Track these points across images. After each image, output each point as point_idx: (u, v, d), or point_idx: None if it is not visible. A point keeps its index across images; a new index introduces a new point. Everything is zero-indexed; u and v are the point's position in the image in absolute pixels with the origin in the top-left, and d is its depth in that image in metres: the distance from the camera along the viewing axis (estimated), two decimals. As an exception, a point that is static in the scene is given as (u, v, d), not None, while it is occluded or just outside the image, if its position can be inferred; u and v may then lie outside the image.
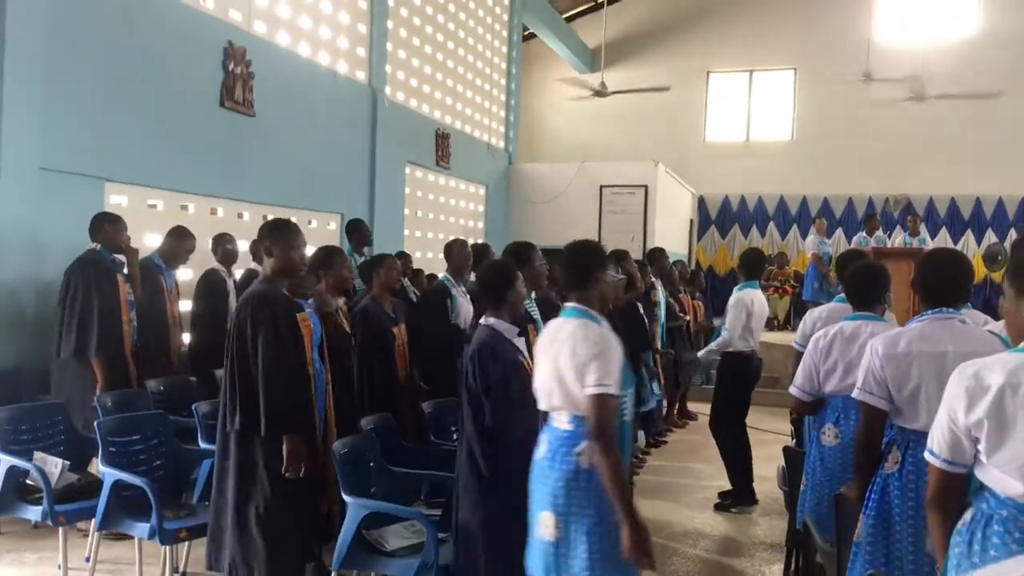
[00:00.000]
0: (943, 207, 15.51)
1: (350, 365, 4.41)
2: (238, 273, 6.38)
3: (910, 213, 13.80)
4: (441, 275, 5.94)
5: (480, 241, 11.33)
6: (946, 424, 2.09)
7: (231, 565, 3.48)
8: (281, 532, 3.46)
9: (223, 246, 6.21)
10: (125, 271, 5.25)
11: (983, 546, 1.98)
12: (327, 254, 4.51)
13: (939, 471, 2.14)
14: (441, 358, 5.13)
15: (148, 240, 6.55)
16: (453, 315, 5.43)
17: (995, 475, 2.00)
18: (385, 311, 4.93)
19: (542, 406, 2.94)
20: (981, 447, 2.02)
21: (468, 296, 5.57)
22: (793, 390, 3.74)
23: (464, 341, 4.95)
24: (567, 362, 2.77)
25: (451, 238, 6.33)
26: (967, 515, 2.09)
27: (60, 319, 4.94)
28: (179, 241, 5.77)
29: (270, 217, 4.17)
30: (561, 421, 2.85)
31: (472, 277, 5.81)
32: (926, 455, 2.18)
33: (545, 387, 2.89)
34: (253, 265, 6.40)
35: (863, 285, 3.77)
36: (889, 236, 13.21)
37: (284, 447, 3.39)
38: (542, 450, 2.89)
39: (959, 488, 2.14)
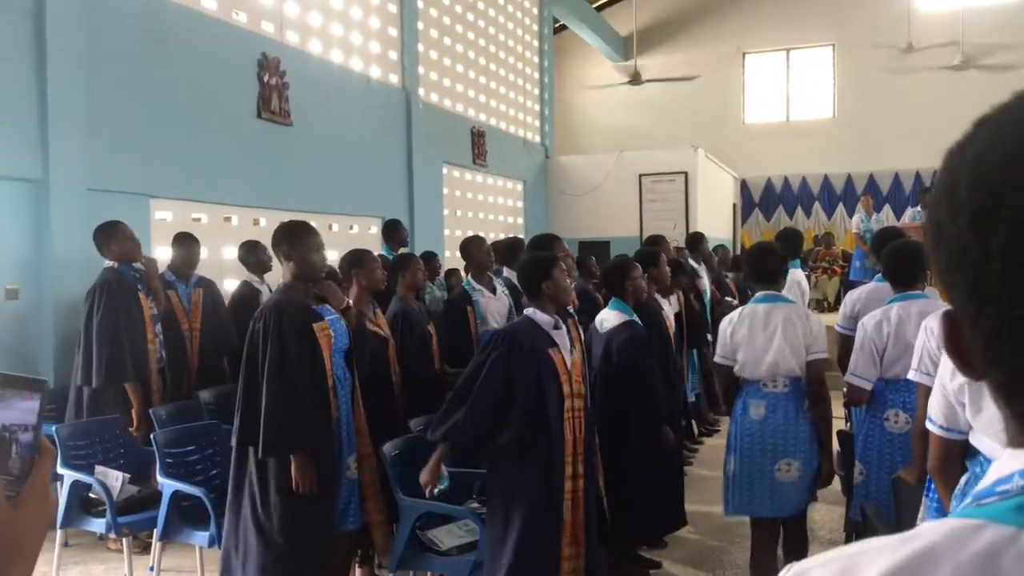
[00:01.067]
0: (994, 177, 15.10)
1: (384, 363, 4.38)
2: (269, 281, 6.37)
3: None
4: (464, 282, 5.74)
5: (519, 236, 11.31)
6: (939, 390, 2.15)
7: None
8: (304, 547, 3.41)
9: (257, 256, 6.17)
10: (144, 286, 5.07)
11: None
12: (359, 255, 4.44)
13: (938, 438, 2.20)
14: (460, 364, 5.05)
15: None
16: (478, 319, 5.28)
17: (980, 440, 2.05)
18: (417, 311, 4.92)
19: (753, 374, 3.67)
20: (967, 412, 2.05)
21: (500, 291, 5.50)
22: (852, 379, 3.61)
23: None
24: (794, 336, 3.55)
25: (492, 235, 6.27)
26: (962, 479, 2.15)
27: (86, 344, 4.79)
28: (187, 249, 5.57)
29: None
30: (777, 385, 3.62)
31: (506, 272, 5.79)
32: (927, 423, 2.22)
33: (764, 359, 3.61)
34: (247, 276, 6.23)
35: (899, 264, 3.66)
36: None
37: (292, 465, 3.35)
38: (761, 411, 3.65)
39: (958, 455, 2.18)
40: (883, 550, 0.56)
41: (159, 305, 5.12)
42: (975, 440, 2.09)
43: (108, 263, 4.99)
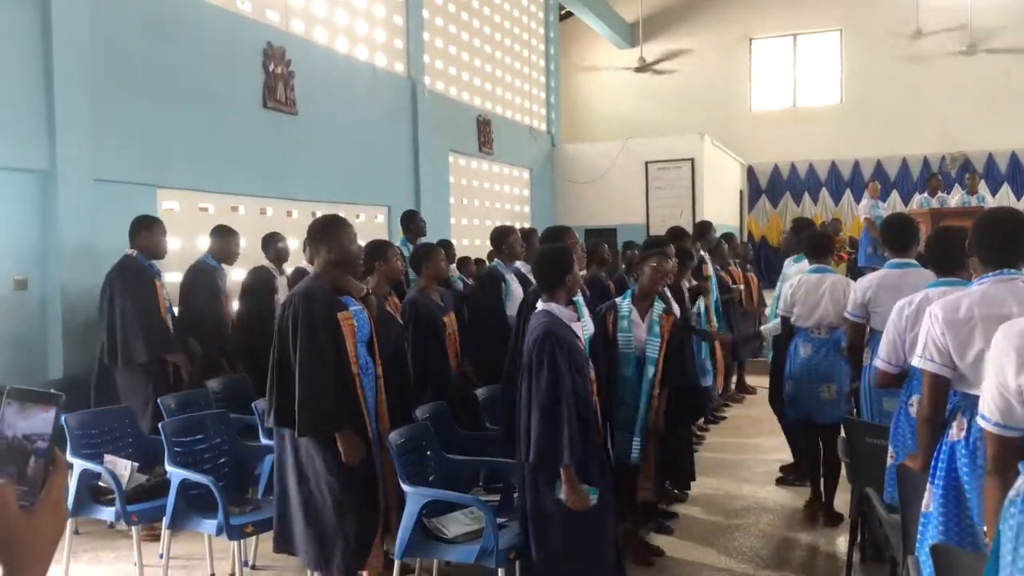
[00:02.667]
0: (1003, 163, 14.99)
1: (403, 355, 4.44)
2: (289, 270, 6.45)
3: (968, 171, 13.37)
4: (494, 262, 5.91)
5: (527, 225, 11.31)
6: (995, 386, 2.04)
7: (309, 560, 3.57)
8: (346, 522, 3.52)
9: (275, 245, 6.27)
10: (163, 278, 5.31)
11: None
12: (380, 246, 4.57)
13: (994, 436, 2.09)
14: (495, 344, 5.13)
15: (201, 243, 6.69)
16: (507, 299, 5.42)
17: None
18: (434, 301, 4.96)
19: (805, 324, 4.92)
20: None
21: (517, 281, 5.57)
22: (878, 363, 3.61)
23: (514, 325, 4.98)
24: (838, 297, 4.71)
25: (497, 223, 6.32)
26: (1020, 483, 2.03)
27: (106, 328, 5.01)
28: (227, 239, 5.80)
29: (318, 214, 4.22)
30: (821, 332, 4.93)
31: (518, 263, 5.81)
32: (979, 420, 2.13)
33: (814, 313, 4.88)
34: (303, 263, 6.46)
35: (944, 250, 3.62)
36: (948, 195, 12.81)
37: (339, 442, 3.45)
38: (808, 350, 4.89)
39: (1016, 452, 2.08)
40: None
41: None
42: None
43: (129, 251, 5.15)
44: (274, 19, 7.88)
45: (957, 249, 3.57)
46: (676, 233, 6.85)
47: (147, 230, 5.20)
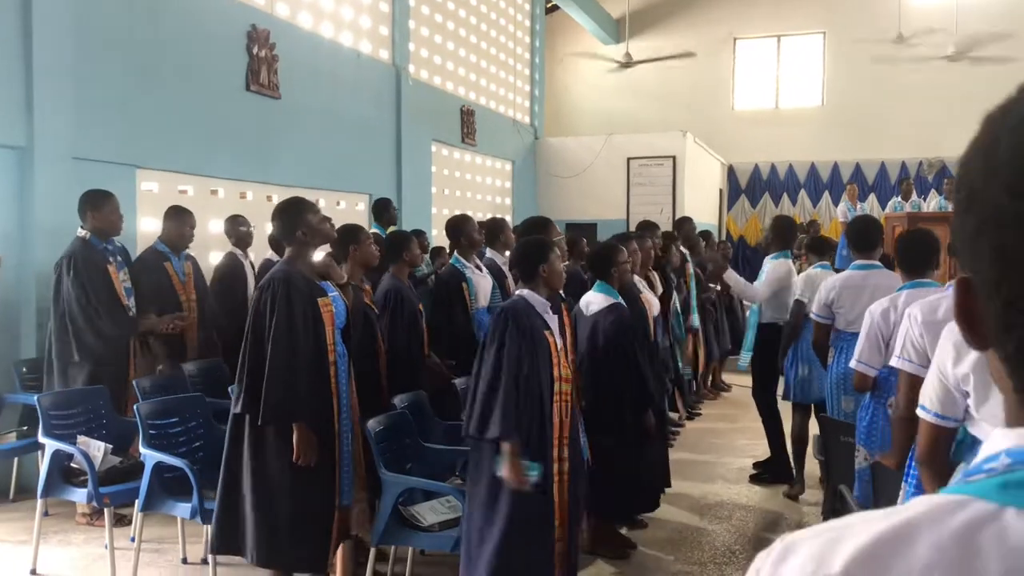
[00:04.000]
0: (980, 170, 15.17)
1: (375, 344, 4.40)
2: (253, 255, 6.36)
3: (946, 176, 13.53)
4: (452, 259, 5.64)
5: (505, 216, 11.31)
6: (936, 378, 2.14)
7: (253, 554, 3.46)
8: (299, 519, 3.42)
9: (237, 228, 6.18)
10: (118, 258, 5.04)
11: None
12: (354, 229, 4.47)
13: (930, 425, 2.19)
14: (464, 341, 5.07)
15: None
16: (471, 298, 5.25)
17: (985, 428, 2.05)
18: (409, 289, 4.93)
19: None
20: (970, 400, 2.06)
21: (484, 270, 5.50)
22: (857, 365, 3.63)
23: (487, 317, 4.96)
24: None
25: (480, 215, 6.26)
26: (959, 470, 2.10)
27: (57, 322, 4.77)
28: (179, 222, 5.44)
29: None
30: None
31: (488, 252, 5.77)
32: (918, 411, 2.20)
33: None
34: (269, 254, 6.30)
35: (911, 252, 3.67)
36: (924, 200, 12.95)
37: (294, 435, 3.36)
38: None
39: (948, 443, 2.19)
40: (868, 522, 0.57)
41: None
42: (974, 428, 2.10)
43: (81, 232, 4.91)
44: (259, 2, 7.80)
45: (924, 251, 3.64)
46: (645, 225, 6.94)
47: (95, 208, 4.90)
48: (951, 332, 2.13)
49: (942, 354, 2.14)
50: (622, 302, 4.42)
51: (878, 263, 4.46)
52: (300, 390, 3.39)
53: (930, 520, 0.54)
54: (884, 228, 5.17)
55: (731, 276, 6.09)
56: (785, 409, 5.57)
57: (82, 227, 4.93)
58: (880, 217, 9.66)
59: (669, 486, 5.07)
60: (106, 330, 4.79)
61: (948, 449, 2.19)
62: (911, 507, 0.57)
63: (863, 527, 0.57)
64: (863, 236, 4.50)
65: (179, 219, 5.47)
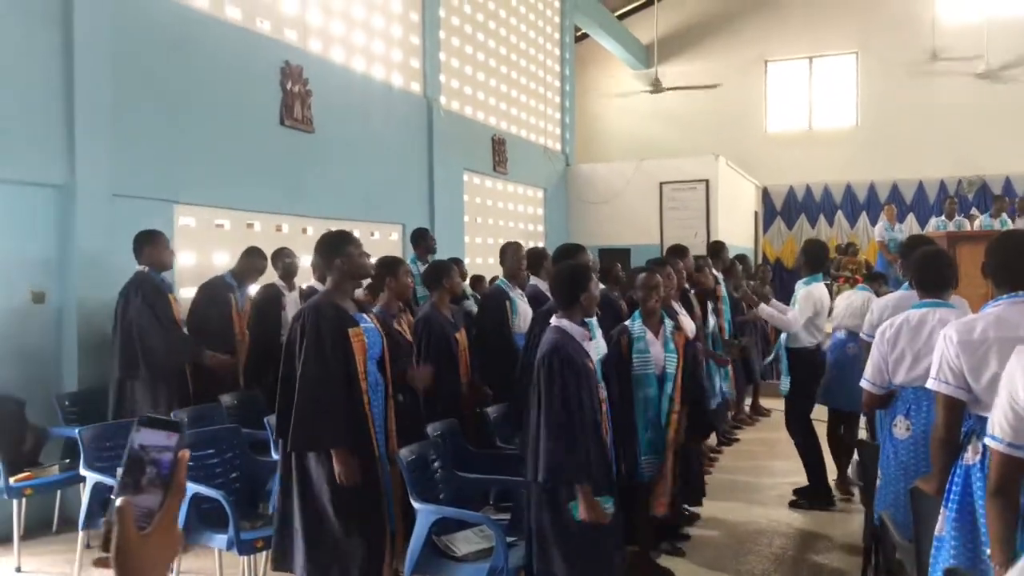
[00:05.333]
0: (1021, 187, 14.89)
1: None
2: (301, 285, 6.48)
3: (986, 195, 13.30)
4: (498, 280, 5.92)
5: (540, 245, 11.32)
6: (1008, 405, 2.03)
7: (303, 573, 3.53)
8: (350, 545, 3.48)
9: (283, 260, 6.32)
10: (176, 290, 5.47)
11: None
12: (391, 262, 4.61)
13: (1002, 456, 2.08)
14: (502, 362, 5.12)
15: (217, 259, 6.74)
16: (514, 317, 5.40)
17: None
18: (446, 317, 4.97)
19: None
20: None
21: (525, 298, 5.55)
22: (863, 383, 3.64)
23: (523, 342, 4.98)
24: None
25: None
26: None
27: (125, 338, 5.07)
28: (251, 261, 5.98)
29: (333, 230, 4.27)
30: None
31: (532, 279, 5.80)
32: (987, 440, 2.12)
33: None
34: (312, 281, 6.49)
35: (926, 271, 3.64)
36: (968, 218, 12.71)
37: (335, 460, 3.42)
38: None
39: (1021, 473, 2.08)
40: None
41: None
42: None
43: (140, 267, 5.23)
44: (292, 38, 7.97)
45: (940, 271, 3.59)
46: (675, 250, 6.87)
47: (151, 245, 5.26)
48: (1022, 356, 2.03)
49: (1015, 380, 2.02)
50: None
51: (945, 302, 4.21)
52: (329, 417, 3.43)
53: None
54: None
55: (764, 310, 6.01)
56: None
57: (139, 264, 5.25)
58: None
59: (700, 504, 5.15)
60: (172, 345, 5.12)
61: (1021, 479, 2.10)
62: None
63: None
64: (932, 275, 4.19)
65: (251, 258, 5.97)
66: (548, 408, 3.30)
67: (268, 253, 6.53)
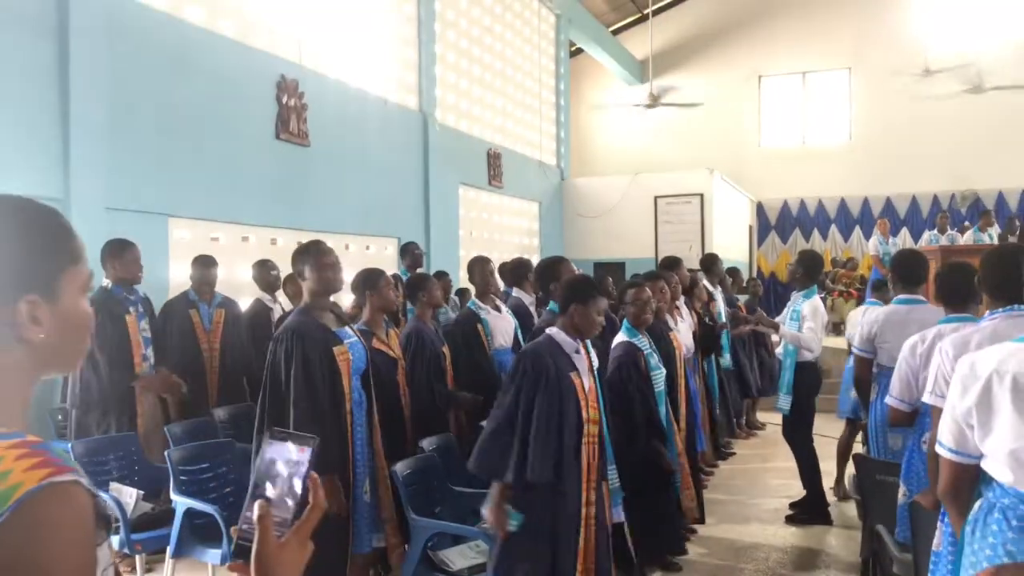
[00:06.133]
0: (1014, 201, 14.98)
1: (394, 388, 4.39)
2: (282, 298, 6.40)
3: (979, 209, 13.36)
4: (469, 302, 5.63)
5: (526, 257, 11.32)
6: (948, 413, 2.15)
7: None
8: (319, 570, 3.40)
9: (267, 273, 6.23)
10: (139, 308, 5.01)
11: (983, 532, 2.04)
12: (371, 275, 4.38)
13: (948, 462, 2.17)
14: (486, 380, 5.04)
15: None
16: (488, 339, 5.22)
17: (990, 463, 2.05)
18: (434, 331, 4.92)
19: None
20: (976, 435, 2.05)
21: (505, 311, 5.44)
22: (890, 400, 3.58)
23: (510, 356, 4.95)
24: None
25: (506, 256, 6.28)
26: (975, 505, 2.13)
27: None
28: (202, 270, 5.63)
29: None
30: None
31: (514, 292, 5.75)
32: (936, 447, 2.19)
33: None
34: (259, 294, 6.22)
35: (955, 287, 3.60)
36: (960, 233, 12.76)
37: (324, 486, 3.36)
38: None
39: (971, 481, 2.16)
40: None
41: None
42: (986, 466, 2.07)
43: (104, 282, 4.93)
44: (288, 52, 7.99)
45: (966, 285, 3.55)
46: (668, 262, 6.86)
47: (115, 257, 4.90)
48: (961, 366, 2.14)
49: (953, 389, 2.14)
50: (632, 340, 4.43)
51: (922, 298, 4.37)
52: (326, 444, 3.36)
53: None
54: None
55: (787, 334, 5.86)
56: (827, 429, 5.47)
57: (105, 277, 4.95)
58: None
59: (702, 522, 5.08)
60: (103, 380, 4.77)
61: (971, 486, 2.16)
62: None
63: None
64: (908, 270, 4.41)
65: (203, 266, 5.63)
66: (499, 401, 3.25)
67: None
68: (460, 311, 5.88)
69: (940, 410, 2.76)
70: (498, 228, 12.50)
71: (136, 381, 4.88)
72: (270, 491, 1.04)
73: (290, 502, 1.03)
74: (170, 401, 5.21)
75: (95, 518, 0.95)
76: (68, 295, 1.08)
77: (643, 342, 4.42)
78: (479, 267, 5.51)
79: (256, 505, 1.01)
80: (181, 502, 3.94)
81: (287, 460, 1.04)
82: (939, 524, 2.72)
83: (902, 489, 3.68)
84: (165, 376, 5.01)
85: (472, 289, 5.99)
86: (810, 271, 5.81)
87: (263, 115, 7.43)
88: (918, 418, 3.58)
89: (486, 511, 3.19)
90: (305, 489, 1.04)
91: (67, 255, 1.09)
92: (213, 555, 3.85)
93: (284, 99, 7.58)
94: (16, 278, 1.02)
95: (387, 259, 9.32)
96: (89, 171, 5.65)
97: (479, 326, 5.22)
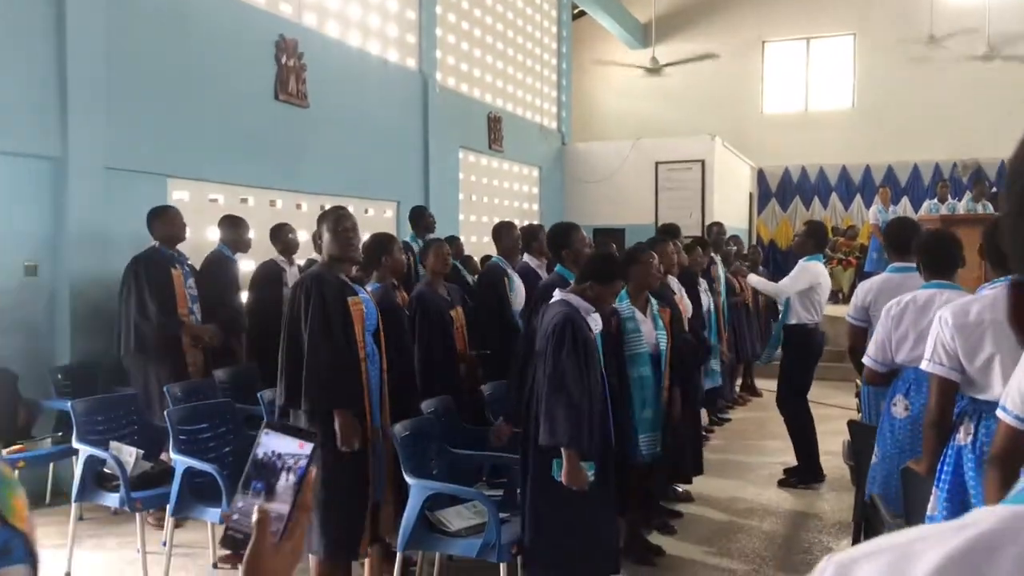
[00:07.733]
0: (1015, 170, 14.88)
1: (408, 348, 4.43)
2: (300, 261, 6.46)
3: (980, 177, 13.29)
4: (494, 258, 5.96)
5: (536, 223, 11.29)
6: (1015, 383, 2.05)
7: None
8: (330, 506, 3.47)
9: (284, 236, 6.29)
10: (186, 267, 5.40)
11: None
12: (384, 239, 4.56)
13: (1009, 428, 2.11)
14: (500, 337, 5.14)
15: (211, 234, 6.70)
16: (511, 294, 5.42)
17: None
18: (440, 295, 4.95)
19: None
20: None
21: (517, 278, 5.57)
22: (866, 360, 3.66)
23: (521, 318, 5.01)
24: None
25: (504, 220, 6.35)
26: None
27: (121, 316, 5.17)
28: (237, 229, 5.93)
29: (327, 207, 4.20)
30: None
31: (524, 257, 5.79)
32: (998, 412, 2.14)
33: None
34: (313, 255, 6.47)
35: (934, 252, 3.64)
36: (959, 202, 12.71)
37: (336, 421, 3.42)
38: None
39: None
40: (937, 538, 0.52)
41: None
42: None
43: (153, 242, 5.28)
44: (287, 12, 7.89)
45: (945, 252, 3.59)
46: (666, 229, 6.90)
47: (160, 220, 5.30)
48: None
49: (1022, 363, 2.05)
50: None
51: (915, 265, 4.39)
52: (338, 379, 3.46)
53: (1010, 533, 0.50)
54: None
55: (752, 279, 6.07)
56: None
57: (153, 237, 5.28)
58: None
59: (690, 481, 5.24)
60: (159, 323, 5.10)
61: (1021, 456, 2.12)
62: (982, 520, 0.52)
63: (933, 544, 0.51)
64: (901, 238, 4.42)
65: (237, 226, 5.94)
66: (553, 374, 3.36)
67: (266, 228, 6.50)
68: (488, 265, 6.21)
69: (939, 378, 2.79)
70: (498, 192, 12.44)
71: (183, 329, 5.24)
72: (268, 484, 1.03)
73: (287, 498, 1.02)
74: (210, 353, 5.47)
75: None
76: None
77: (624, 305, 4.41)
78: (507, 231, 5.89)
79: (255, 509, 1.01)
80: (181, 461, 3.97)
81: (288, 454, 1.04)
82: (934, 489, 2.75)
83: (876, 451, 3.75)
84: (211, 329, 5.39)
85: (476, 259, 6.22)
86: (819, 239, 5.85)
87: (262, 75, 7.35)
88: (892, 380, 3.65)
89: (562, 477, 3.36)
90: (299, 485, 1.04)
91: None
92: (213, 514, 3.89)
93: (283, 59, 7.50)
94: None
95: (386, 223, 9.29)
96: (88, 130, 5.61)
97: (505, 280, 5.49)
